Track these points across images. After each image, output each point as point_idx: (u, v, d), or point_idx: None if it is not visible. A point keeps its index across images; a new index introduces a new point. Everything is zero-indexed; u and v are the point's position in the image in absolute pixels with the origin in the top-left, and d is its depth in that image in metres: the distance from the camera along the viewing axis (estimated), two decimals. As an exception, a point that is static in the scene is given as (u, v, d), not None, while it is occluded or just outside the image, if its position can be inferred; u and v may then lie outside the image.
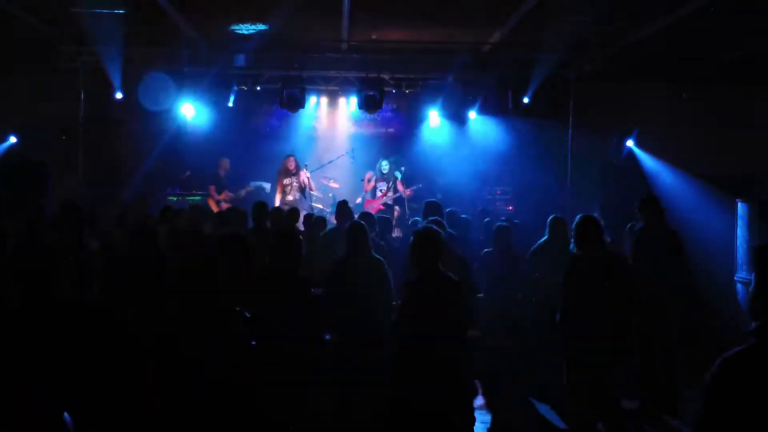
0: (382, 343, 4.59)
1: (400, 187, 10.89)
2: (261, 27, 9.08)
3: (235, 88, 10.75)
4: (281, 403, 4.20)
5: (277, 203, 10.46)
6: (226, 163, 11.05)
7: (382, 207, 10.53)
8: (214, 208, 9.95)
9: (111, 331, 3.28)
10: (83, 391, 3.08)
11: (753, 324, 2.21)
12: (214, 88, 10.71)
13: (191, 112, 10.43)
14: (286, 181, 10.73)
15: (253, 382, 3.63)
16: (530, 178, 11.17)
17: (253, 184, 11.61)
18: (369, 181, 11.08)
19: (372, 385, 4.74)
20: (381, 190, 10.91)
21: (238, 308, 3.65)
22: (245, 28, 9.14)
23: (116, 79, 9.88)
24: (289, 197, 10.55)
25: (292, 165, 10.64)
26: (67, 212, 5.53)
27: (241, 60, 10.03)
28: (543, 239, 6.40)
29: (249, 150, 11.74)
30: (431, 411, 4.10)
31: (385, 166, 10.98)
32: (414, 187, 10.85)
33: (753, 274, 2.32)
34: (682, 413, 5.75)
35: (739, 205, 7.66)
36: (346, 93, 11.56)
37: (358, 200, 10.82)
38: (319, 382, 4.54)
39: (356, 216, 6.49)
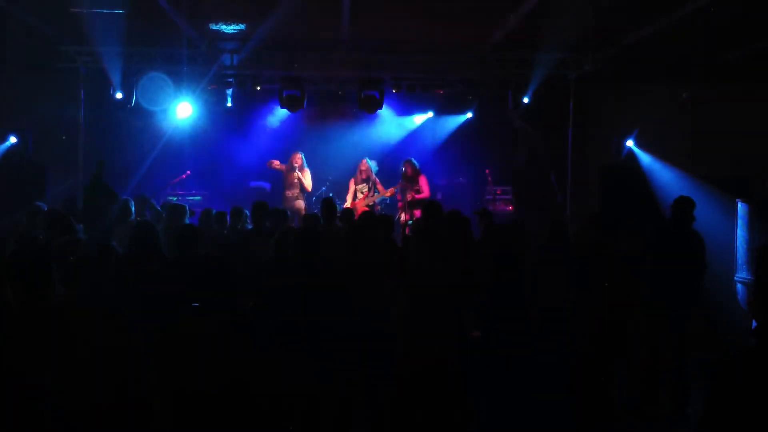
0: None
1: (380, 188, 10.52)
2: (241, 26, 9.10)
3: (235, 88, 10.74)
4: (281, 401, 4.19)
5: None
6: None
7: (365, 209, 10.00)
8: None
9: (109, 332, 3.27)
10: (82, 393, 3.07)
11: (754, 324, 2.22)
12: (213, 87, 10.71)
13: (187, 111, 10.42)
14: (287, 176, 10.66)
15: (256, 381, 3.62)
16: (531, 177, 11.17)
17: (253, 184, 11.61)
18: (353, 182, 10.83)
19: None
20: (362, 192, 10.56)
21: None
22: (233, 27, 9.15)
23: (116, 79, 9.86)
24: (288, 192, 10.52)
25: (297, 162, 10.57)
26: (65, 213, 5.52)
27: (227, 60, 10.02)
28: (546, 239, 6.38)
29: (249, 150, 11.74)
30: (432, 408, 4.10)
31: (371, 164, 10.63)
32: (395, 187, 10.44)
33: (754, 275, 2.34)
34: (688, 413, 5.74)
35: (739, 205, 7.64)
36: (346, 93, 11.56)
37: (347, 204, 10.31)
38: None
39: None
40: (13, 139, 9.87)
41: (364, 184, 10.51)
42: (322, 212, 6.94)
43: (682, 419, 5.72)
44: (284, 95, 10.37)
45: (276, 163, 10.68)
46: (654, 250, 5.88)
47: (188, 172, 11.03)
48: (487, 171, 11.30)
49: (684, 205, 5.90)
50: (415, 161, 10.37)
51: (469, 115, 12.05)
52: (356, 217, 7.21)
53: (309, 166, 10.66)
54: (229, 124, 11.75)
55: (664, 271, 5.74)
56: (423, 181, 10.31)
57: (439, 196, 10.92)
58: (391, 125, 12.36)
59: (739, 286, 7.46)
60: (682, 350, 5.82)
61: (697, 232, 5.90)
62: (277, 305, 4.37)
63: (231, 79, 10.57)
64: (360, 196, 10.48)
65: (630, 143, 10.45)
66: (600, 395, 4.88)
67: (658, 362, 5.88)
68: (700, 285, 5.90)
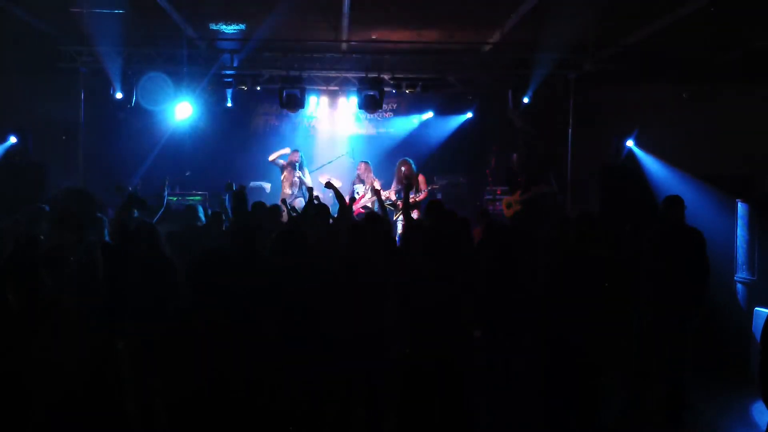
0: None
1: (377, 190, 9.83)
2: (241, 26, 9.11)
3: (235, 88, 10.74)
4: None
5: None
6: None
7: (361, 210, 9.70)
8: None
9: (106, 334, 3.27)
10: (77, 390, 3.07)
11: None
12: (213, 87, 10.71)
13: (187, 111, 10.42)
14: (287, 174, 10.64)
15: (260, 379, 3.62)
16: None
17: (254, 184, 11.60)
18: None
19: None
20: (358, 193, 10.23)
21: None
22: (233, 27, 9.18)
23: (116, 79, 9.88)
24: (287, 191, 10.52)
25: (295, 159, 10.55)
26: (64, 213, 5.51)
27: (227, 60, 10.03)
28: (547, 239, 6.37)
29: (249, 150, 11.74)
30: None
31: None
32: (395, 189, 9.95)
33: None
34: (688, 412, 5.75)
35: (739, 205, 7.64)
36: (346, 93, 11.54)
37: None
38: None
39: None
40: (13, 139, 9.86)
41: (362, 185, 10.39)
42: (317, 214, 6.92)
43: (682, 419, 5.71)
44: (284, 95, 10.37)
45: (279, 159, 10.67)
46: (651, 250, 5.88)
47: (188, 172, 11.02)
48: (487, 171, 11.30)
49: (670, 204, 5.89)
50: (411, 161, 10.18)
51: (469, 115, 12.05)
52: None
53: (307, 166, 10.68)
54: (229, 124, 11.75)
55: (662, 271, 5.73)
56: (422, 181, 10.19)
57: (439, 196, 10.90)
58: (392, 125, 12.37)
59: (739, 286, 7.46)
60: (684, 351, 5.79)
61: (696, 230, 5.87)
62: (276, 304, 4.37)
63: (231, 79, 10.57)
64: (356, 197, 10.34)
65: (630, 143, 10.44)
66: (596, 395, 4.89)
67: (660, 363, 5.87)
68: (702, 284, 5.85)
